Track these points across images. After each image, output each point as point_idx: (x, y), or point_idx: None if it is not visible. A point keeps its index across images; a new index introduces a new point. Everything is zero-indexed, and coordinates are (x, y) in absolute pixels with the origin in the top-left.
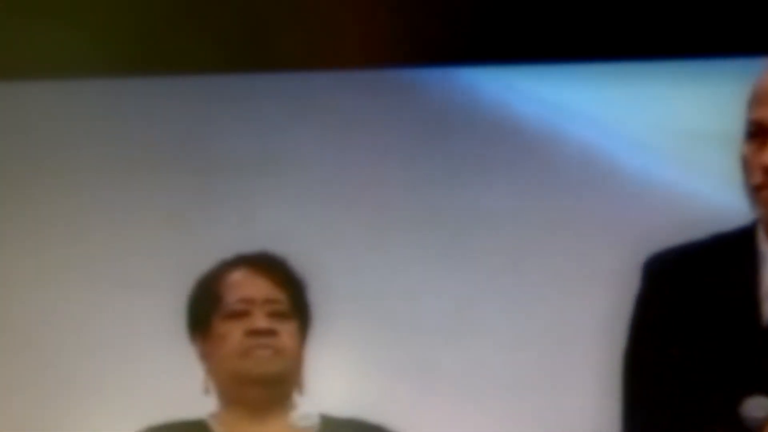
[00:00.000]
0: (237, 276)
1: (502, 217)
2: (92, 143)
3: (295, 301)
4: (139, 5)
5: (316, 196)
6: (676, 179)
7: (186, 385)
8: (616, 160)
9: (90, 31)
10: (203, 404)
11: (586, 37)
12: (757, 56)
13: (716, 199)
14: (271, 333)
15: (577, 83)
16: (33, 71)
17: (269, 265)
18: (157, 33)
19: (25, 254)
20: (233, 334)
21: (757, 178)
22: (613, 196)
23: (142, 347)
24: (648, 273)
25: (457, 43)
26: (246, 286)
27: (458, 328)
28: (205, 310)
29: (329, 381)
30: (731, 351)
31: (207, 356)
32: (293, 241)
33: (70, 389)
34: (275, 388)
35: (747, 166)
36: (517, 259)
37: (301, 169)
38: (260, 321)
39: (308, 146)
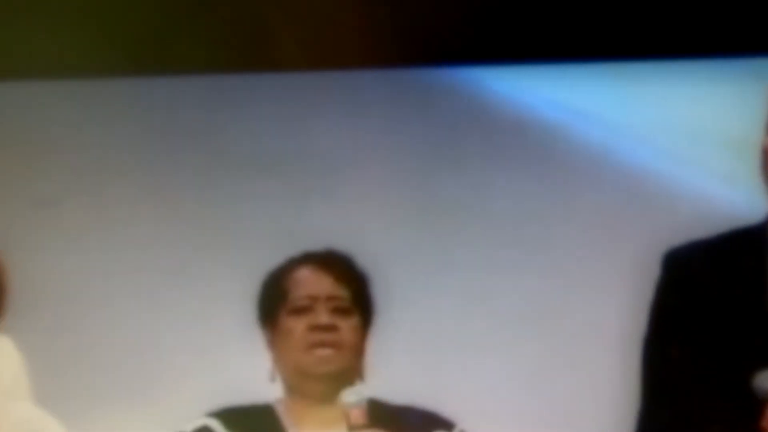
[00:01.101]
0: (303, 273)
1: (512, 214)
2: (92, 143)
3: (357, 296)
4: (140, 5)
5: (315, 195)
6: (682, 177)
7: (255, 370)
8: (624, 158)
9: (90, 31)
10: (271, 389)
11: (594, 38)
12: (763, 56)
13: (722, 196)
14: (332, 329)
15: (586, 83)
16: (33, 71)
17: (333, 263)
18: (158, 33)
19: (25, 253)
20: (297, 328)
21: None
22: (620, 193)
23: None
24: (667, 265)
25: (463, 44)
26: (311, 283)
27: (476, 318)
28: (273, 303)
29: (382, 372)
30: (743, 331)
31: (273, 347)
32: (293, 239)
33: (153, 373)
34: (336, 383)
35: (766, 153)
36: (529, 255)
37: (301, 169)
38: (322, 317)
39: (308, 146)
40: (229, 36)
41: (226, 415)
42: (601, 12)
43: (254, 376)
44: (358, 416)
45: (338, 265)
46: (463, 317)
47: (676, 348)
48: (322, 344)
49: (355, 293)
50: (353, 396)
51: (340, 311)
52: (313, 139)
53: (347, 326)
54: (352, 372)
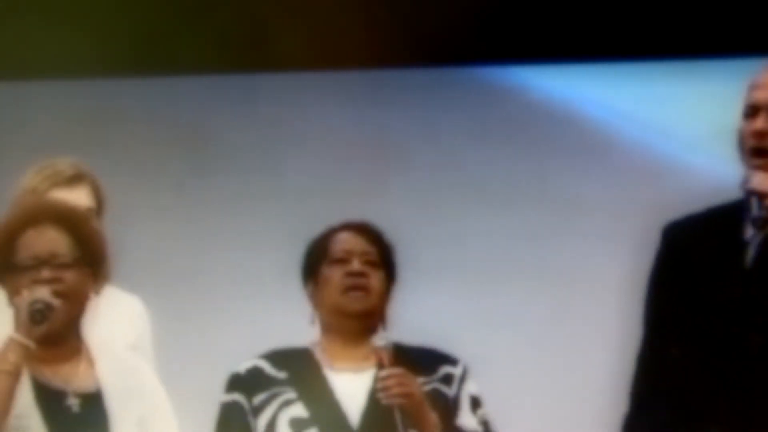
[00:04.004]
0: (342, 235)
1: (546, 196)
2: (92, 143)
3: (383, 257)
4: (140, 5)
5: (314, 195)
6: (696, 163)
7: (294, 324)
8: (642, 145)
9: (90, 31)
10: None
11: (622, 39)
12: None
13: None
14: (364, 275)
15: (617, 81)
16: (33, 71)
17: (366, 229)
18: (157, 33)
19: None
20: (336, 275)
21: (750, 142)
22: (641, 175)
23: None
24: (665, 235)
25: (474, 43)
26: (348, 241)
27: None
28: (316, 259)
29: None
30: (725, 288)
31: (314, 296)
32: (294, 236)
33: (216, 326)
34: (365, 320)
35: (742, 136)
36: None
37: (301, 168)
38: (356, 266)
39: (308, 146)
40: (229, 36)
41: (272, 356)
42: (634, 16)
43: (293, 328)
44: (386, 356)
45: (369, 231)
46: (482, 290)
47: (671, 308)
48: (356, 287)
49: (382, 254)
50: (382, 340)
51: (370, 263)
52: (312, 139)
53: (376, 276)
54: (377, 314)
